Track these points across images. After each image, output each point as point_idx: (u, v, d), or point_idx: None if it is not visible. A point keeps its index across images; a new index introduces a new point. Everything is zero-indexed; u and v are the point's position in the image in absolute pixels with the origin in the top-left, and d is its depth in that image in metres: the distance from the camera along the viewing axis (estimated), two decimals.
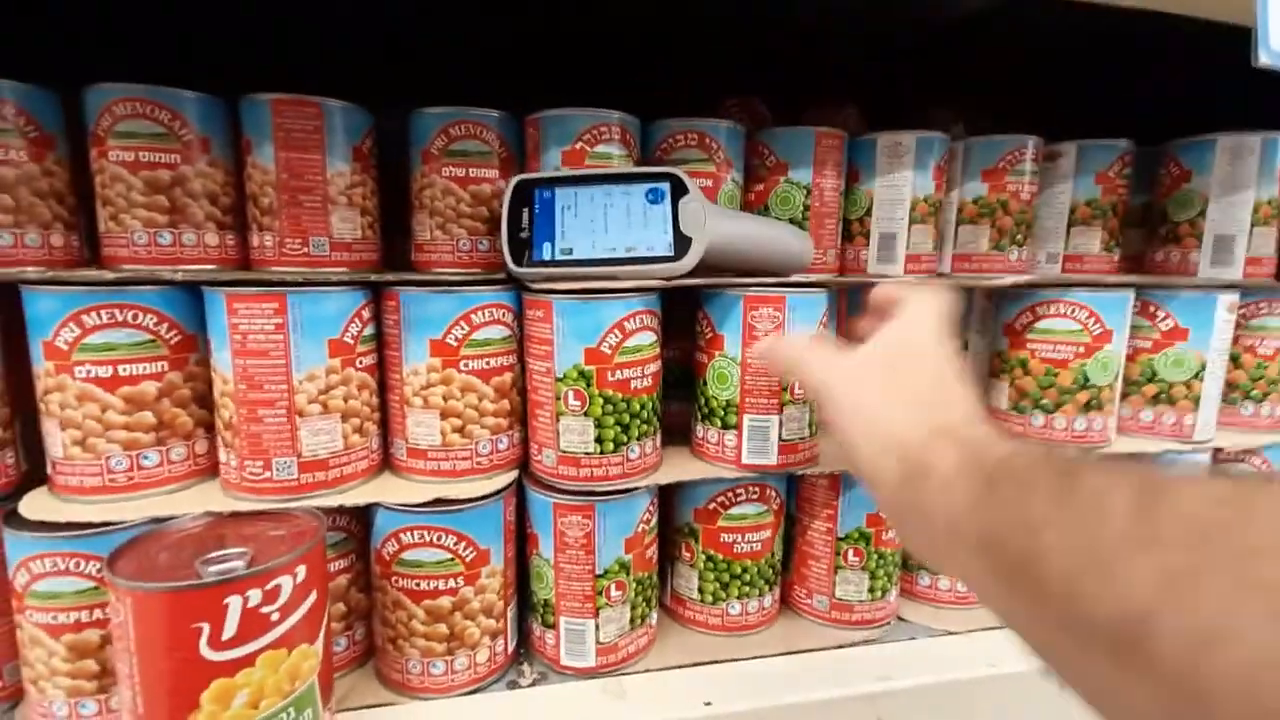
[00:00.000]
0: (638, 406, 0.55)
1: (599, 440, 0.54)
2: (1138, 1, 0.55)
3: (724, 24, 0.79)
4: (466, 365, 0.53)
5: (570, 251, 0.57)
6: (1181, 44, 0.64)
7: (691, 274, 0.57)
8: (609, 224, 0.58)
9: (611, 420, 0.54)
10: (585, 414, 0.53)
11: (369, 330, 0.54)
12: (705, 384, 0.62)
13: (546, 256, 0.57)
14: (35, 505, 0.48)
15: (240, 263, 0.59)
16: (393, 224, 0.64)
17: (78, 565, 0.46)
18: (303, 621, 0.43)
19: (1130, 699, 0.20)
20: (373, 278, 0.55)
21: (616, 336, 0.53)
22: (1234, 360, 0.72)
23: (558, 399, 0.53)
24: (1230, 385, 0.72)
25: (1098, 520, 0.22)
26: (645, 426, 0.56)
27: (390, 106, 0.61)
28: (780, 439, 0.59)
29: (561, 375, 0.53)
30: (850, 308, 0.74)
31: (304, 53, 0.67)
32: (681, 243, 0.56)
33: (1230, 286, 0.68)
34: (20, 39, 0.58)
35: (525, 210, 0.58)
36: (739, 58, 0.85)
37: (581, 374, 0.53)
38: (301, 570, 0.42)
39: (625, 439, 0.55)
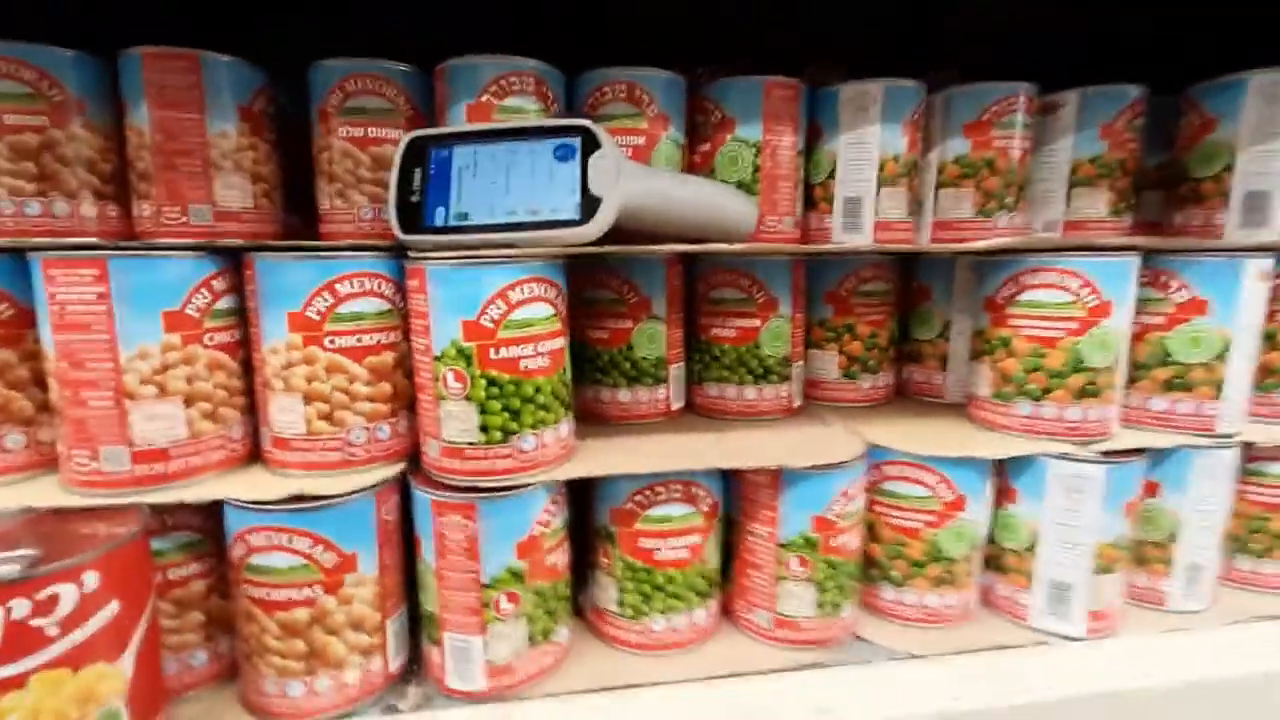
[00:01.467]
0: (531, 390, 0.47)
1: (484, 429, 0.46)
2: None
3: None
4: (332, 342, 0.47)
5: (466, 216, 0.50)
6: None
7: (612, 240, 0.49)
8: (511, 185, 0.50)
9: (498, 405, 0.46)
10: (467, 398, 0.46)
11: (224, 304, 0.47)
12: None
13: (439, 223, 0.51)
14: None
15: (123, 235, 0.54)
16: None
17: None
18: (98, 636, 0.36)
19: None
20: (221, 243, 0.49)
21: (499, 308, 0.45)
22: (1269, 340, 0.60)
23: (437, 380, 0.46)
24: (1266, 370, 0.61)
25: None
26: (543, 414, 0.48)
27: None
28: None
29: (440, 353, 0.46)
30: (810, 280, 0.66)
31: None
32: (590, 205, 0.48)
33: (1262, 249, 0.57)
34: None
35: (418, 171, 0.52)
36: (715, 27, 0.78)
37: (460, 351, 0.45)
38: (92, 577, 0.36)
39: (516, 427, 0.47)
